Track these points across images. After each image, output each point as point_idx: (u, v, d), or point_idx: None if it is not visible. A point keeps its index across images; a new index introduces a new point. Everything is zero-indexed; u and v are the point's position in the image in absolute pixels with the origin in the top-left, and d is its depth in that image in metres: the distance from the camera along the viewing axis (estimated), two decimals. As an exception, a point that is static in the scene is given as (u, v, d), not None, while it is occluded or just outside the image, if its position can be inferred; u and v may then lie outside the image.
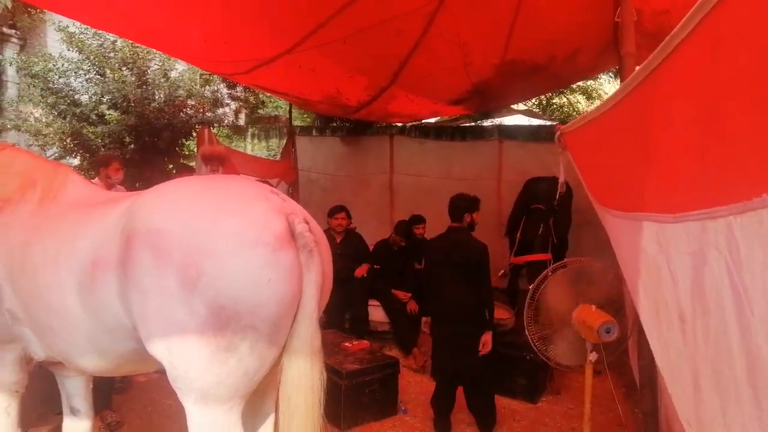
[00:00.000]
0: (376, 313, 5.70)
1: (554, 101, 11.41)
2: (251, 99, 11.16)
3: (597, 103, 12.14)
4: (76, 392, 2.64)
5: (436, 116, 8.28)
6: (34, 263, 2.12)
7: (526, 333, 3.19)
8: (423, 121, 8.50)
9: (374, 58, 5.24)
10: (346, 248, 5.61)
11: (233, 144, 10.52)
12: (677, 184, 1.43)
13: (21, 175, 2.39)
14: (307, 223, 1.93)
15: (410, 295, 5.60)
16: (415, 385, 4.71)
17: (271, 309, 1.79)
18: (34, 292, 2.11)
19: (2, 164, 2.41)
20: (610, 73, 9.74)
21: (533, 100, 10.77)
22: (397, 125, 8.15)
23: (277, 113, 12.21)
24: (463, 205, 4.04)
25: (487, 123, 9.31)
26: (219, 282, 1.74)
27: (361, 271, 5.74)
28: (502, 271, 5.85)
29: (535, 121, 9.94)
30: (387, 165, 8.16)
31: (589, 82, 11.04)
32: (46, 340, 2.20)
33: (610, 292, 3.11)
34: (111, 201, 2.19)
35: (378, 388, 4.04)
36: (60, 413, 3.72)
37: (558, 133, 2.93)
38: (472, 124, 9.21)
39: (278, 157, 8.77)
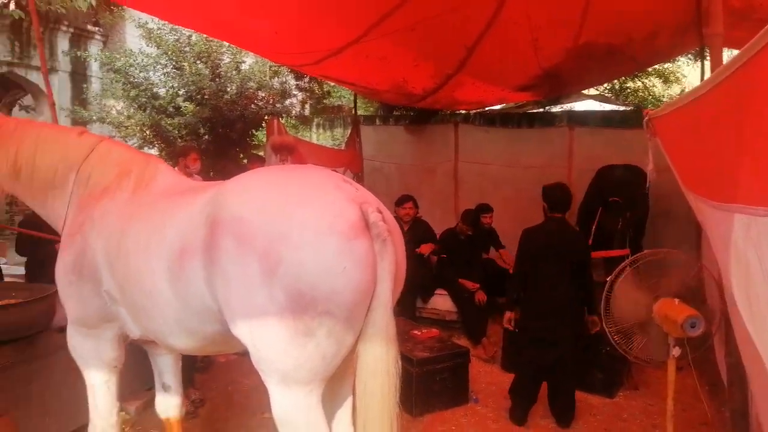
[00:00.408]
0: (444, 302, 5.69)
1: (628, 85, 10.94)
2: (316, 89, 11.33)
3: (675, 86, 11.49)
4: (166, 369, 2.80)
5: (503, 103, 8.12)
6: (128, 249, 2.25)
7: (603, 326, 3.09)
8: (487, 108, 8.35)
9: (441, 45, 5.20)
10: (414, 235, 5.63)
11: (299, 134, 10.74)
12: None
13: (117, 165, 2.54)
14: (381, 212, 1.94)
15: (478, 285, 5.55)
16: (486, 375, 4.69)
17: (346, 296, 1.83)
18: (128, 275, 2.25)
19: (101, 155, 2.58)
20: (689, 55, 9.20)
21: (605, 85, 10.34)
22: (461, 113, 8.05)
23: (340, 103, 12.35)
24: (568, 196, 3.92)
25: (556, 109, 9.02)
26: (297, 269, 1.79)
27: (426, 248, 5.72)
28: None
29: (608, 107, 9.54)
30: (452, 153, 8.08)
31: (666, 65, 10.50)
32: (140, 320, 2.35)
33: (693, 286, 2.96)
34: (196, 190, 2.30)
35: (449, 376, 4.06)
36: (149, 389, 3.98)
37: (646, 118, 2.79)
38: (540, 110, 8.96)
39: (343, 147, 8.88)
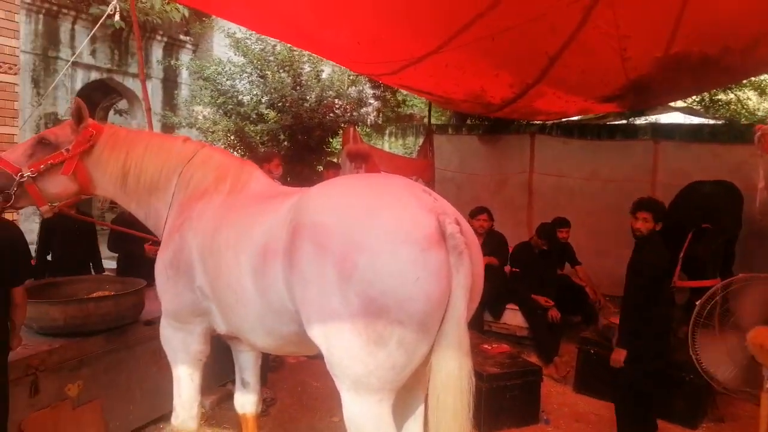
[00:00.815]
0: (515, 317, 5.56)
1: (719, 98, 10.29)
2: (390, 98, 11.44)
3: (772, 99, 10.70)
4: (247, 366, 2.91)
5: (585, 114, 7.88)
6: (219, 246, 2.38)
7: (690, 353, 2.91)
8: (564, 119, 8.11)
9: (522, 54, 5.10)
10: (487, 248, 5.54)
11: (372, 142, 10.89)
12: None
13: (216, 169, 2.69)
14: (459, 224, 1.92)
15: (553, 303, 5.38)
16: (557, 396, 4.53)
17: (418, 306, 1.82)
18: (218, 272, 2.38)
19: (202, 160, 2.74)
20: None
21: (694, 97, 9.80)
22: (537, 123, 7.89)
23: (412, 112, 12.41)
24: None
25: (639, 121, 8.65)
26: (371, 275, 1.81)
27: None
28: None
29: (696, 120, 9.04)
30: (527, 164, 7.93)
31: (762, 77, 9.80)
32: (226, 316, 2.46)
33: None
34: (283, 195, 2.39)
35: (519, 394, 3.95)
36: (223, 385, 4.14)
37: (758, 133, 2.62)
38: (623, 122, 8.63)
39: (414, 155, 8.91)
